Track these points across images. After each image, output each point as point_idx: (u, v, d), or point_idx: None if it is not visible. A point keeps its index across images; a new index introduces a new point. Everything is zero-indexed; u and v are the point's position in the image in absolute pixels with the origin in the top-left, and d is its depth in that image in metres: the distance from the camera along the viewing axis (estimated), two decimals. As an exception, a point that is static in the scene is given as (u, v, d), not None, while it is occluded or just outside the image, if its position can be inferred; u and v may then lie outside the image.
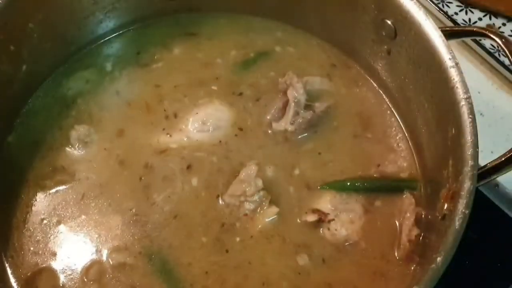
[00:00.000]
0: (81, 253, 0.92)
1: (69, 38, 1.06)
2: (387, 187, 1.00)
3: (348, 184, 0.99)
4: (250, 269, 0.91)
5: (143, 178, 0.98)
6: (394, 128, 1.06)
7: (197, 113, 1.05)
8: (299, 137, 1.03)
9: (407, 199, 0.97)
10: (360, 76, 1.11)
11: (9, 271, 0.91)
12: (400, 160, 1.03)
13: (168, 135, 1.03)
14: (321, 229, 0.95)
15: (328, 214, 0.95)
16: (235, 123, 1.04)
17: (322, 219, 0.95)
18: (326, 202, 0.97)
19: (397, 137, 1.05)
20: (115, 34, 1.12)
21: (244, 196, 0.95)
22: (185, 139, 1.02)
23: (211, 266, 0.91)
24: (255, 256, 0.92)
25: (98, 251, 0.92)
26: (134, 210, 0.95)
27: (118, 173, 0.99)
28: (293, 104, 1.02)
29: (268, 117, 1.05)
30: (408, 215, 0.93)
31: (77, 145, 1.00)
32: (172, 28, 1.14)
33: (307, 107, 1.03)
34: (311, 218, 0.95)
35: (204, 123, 1.04)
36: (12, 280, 0.90)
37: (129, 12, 1.10)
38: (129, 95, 1.07)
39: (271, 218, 0.95)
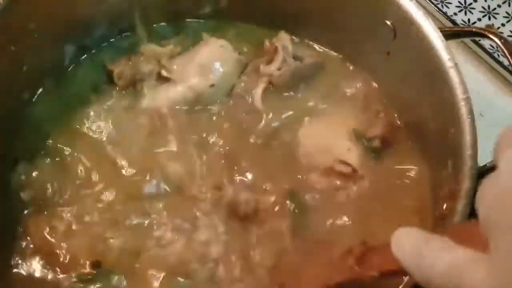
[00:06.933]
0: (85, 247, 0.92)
1: (71, 39, 1.06)
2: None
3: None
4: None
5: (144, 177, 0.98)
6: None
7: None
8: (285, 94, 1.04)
9: (407, 198, 0.97)
10: (359, 76, 1.11)
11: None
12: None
13: None
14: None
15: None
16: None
17: (350, 176, 0.94)
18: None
19: (396, 137, 1.05)
20: (118, 37, 1.12)
21: None
22: None
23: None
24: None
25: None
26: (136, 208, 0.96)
27: (120, 171, 0.99)
28: (281, 51, 1.03)
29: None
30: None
31: (78, 144, 1.00)
32: (172, 30, 1.14)
33: (296, 58, 1.04)
34: (345, 169, 0.94)
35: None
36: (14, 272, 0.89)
37: (132, 15, 1.10)
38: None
39: None
